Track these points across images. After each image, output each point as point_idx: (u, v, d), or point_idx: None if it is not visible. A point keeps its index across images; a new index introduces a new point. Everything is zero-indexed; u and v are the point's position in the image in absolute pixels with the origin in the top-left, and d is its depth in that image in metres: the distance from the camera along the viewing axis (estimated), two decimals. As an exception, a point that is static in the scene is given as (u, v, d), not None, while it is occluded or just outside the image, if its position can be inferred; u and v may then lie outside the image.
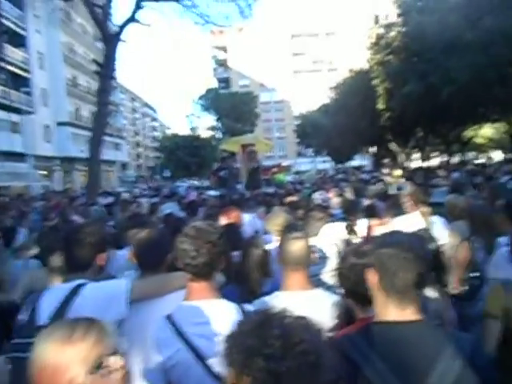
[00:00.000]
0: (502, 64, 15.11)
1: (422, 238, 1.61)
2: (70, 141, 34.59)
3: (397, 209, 4.42)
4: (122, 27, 13.58)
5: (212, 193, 9.91)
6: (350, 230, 3.38)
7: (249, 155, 8.47)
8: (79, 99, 37.29)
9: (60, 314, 1.74)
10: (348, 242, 3.12)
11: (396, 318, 1.27)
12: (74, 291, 1.83)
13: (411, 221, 3.80)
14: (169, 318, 1.68)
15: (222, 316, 1.62)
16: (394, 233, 1.41)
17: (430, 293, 2.37)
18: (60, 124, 33.97)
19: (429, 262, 1.31)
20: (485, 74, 15.21)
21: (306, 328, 0.83)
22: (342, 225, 4.13)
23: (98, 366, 0.94)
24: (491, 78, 15.47)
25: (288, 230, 2.04)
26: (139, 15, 13.67)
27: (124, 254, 2.99)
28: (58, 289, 1.93)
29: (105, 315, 1.81)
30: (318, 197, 4.43)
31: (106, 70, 13.00)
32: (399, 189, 5.43)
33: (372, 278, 1.33)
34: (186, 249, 1.65)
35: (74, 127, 35.43)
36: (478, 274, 2.83)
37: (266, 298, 2.00)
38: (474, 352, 1.23)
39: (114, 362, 0.97)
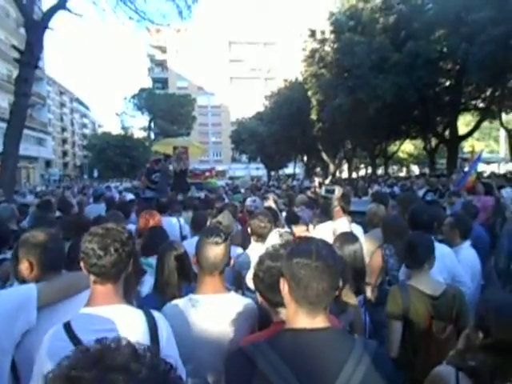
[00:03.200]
0: (421, 86, 16.47)
1: (332, 245, 1.62)
2: (-16, 133, 31.50)
3: (324, 216, 4.55)
4: (49, 14, 12.67)
5: (129, 196, 9.45)
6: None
7: (178, 157, 8.26)
8: (-3, 88, 34.19)
9: None
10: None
11: (306, 326, 1.25)
12: None
13: (335, 226, 3.93)
14: (66, 325, 1.52)
15: (125, 323, 1.51)
16: (303, 241, 1.37)
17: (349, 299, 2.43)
18: (-28, 114, 30.80)
19: (339, 270, 1.29)
20: (407, 94, 16.48)
21: (143, 357, 0.76)
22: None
23: None
24: (412, 98, 16.80)
25: (206, 233, 1.96)
26: (71, 4, 12.88)
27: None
28: None
29: (13, 326, 1.65)
30: (250, 203, 4.40)
31: (27, 57, 11.96)
32: (327, 191, 5.55)
33: (283, 287, 1.31)
34: (92, 248, 1.51)
35: (-10, 118, 32.32)
36: (388, 280, 2.98)
37: (177, 301, 1.93)
38: (376, 357, 1.25)
39: None
